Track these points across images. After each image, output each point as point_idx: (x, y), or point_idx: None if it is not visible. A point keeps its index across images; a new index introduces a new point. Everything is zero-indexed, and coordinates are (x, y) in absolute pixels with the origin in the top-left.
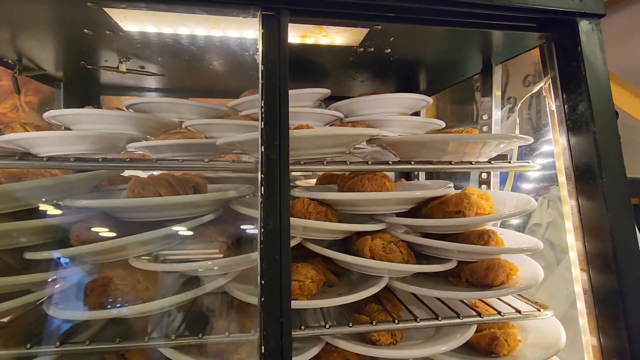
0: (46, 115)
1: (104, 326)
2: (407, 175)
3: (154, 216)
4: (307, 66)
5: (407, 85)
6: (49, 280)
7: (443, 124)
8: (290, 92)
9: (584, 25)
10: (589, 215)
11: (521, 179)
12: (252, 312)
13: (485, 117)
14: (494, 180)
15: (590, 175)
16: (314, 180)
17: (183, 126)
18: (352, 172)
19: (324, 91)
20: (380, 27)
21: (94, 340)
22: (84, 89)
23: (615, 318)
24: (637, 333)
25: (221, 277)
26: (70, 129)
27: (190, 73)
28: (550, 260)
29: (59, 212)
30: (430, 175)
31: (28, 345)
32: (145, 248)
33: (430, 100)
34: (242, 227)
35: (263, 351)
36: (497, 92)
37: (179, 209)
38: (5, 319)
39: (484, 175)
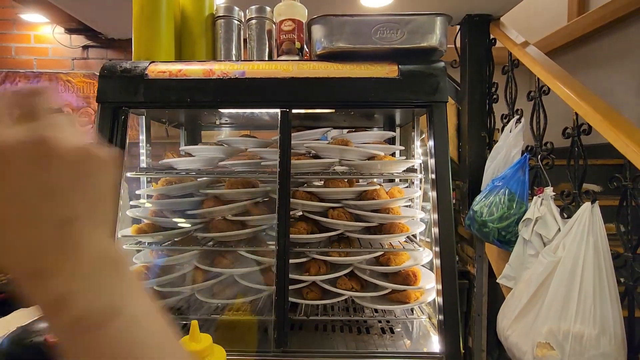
0: (181, 148)
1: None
2: None
3: (236, 198)
4: (311, 116)
5: (387, 121)
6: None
7: (400, 149)
8: (304, 132)
9: (434, 107)
10: (435, 197)
11: None
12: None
13: (413, 146)
14: (418, 183)
15: (436, 178)
16: None
17: (247, 151)
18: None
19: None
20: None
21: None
22: (194, 129)
23: (442, 248)
24: (446, 255)
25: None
26: (192, 155)
27: (249, 120)
28: (539, 248)
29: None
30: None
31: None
32: (233, 211)
33: (393, 133)
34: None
35: (277, 252)
36: (419, 133)
37: (248, 195)
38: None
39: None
